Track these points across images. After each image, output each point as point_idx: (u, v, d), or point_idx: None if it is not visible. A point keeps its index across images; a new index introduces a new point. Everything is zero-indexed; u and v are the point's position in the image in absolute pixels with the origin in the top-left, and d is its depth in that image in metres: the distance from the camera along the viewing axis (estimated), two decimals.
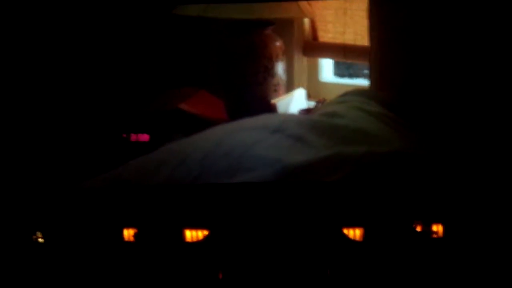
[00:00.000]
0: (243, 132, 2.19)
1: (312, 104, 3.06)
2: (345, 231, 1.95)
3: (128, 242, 1.99)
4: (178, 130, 2.87)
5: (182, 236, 1.97)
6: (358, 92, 2.73)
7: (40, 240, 2.02)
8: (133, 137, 3.12)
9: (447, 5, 2.50)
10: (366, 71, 2.97)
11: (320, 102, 3.04)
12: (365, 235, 1.94)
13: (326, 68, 3.19)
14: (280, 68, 3.06)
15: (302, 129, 2.16)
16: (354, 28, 3.03)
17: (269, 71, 3.04)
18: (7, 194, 2.34)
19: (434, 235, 1.94)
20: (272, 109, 2.96)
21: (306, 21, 3.17)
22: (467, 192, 1.96)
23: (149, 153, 2.41)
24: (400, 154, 2.08)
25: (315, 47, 3.19)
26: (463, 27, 2.47)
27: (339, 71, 3.19)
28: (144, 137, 3.09)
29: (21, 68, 2.71)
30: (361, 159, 2.02)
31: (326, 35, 3.15)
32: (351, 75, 3.15)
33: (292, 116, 2.52)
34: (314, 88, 3.16)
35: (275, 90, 3.07)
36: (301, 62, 3.15)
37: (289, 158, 2.07)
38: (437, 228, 1.94)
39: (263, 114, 2.77)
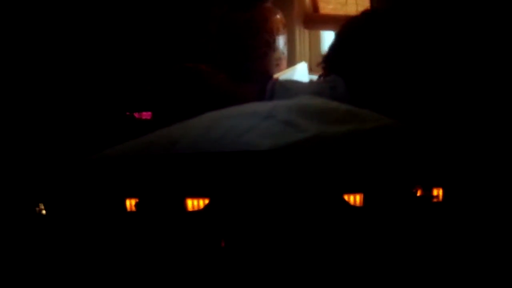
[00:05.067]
0: (233, 119, 2.15)
1: (314, 77, 3.06)
2: (345, 197, 1.95)
3: (131, 212, 2.00)
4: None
5: (184, 205, 1.98)
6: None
7: (43, 212, 2.04)
8: (137, 115, 3.13)
9: None
10: None
11: (323, 75, 3.02)
12: (365, 200, 1.94)
13: (328, 40, 3.18)
14: (281, 42, 3.05)
15: (292, 114, 2.13)
16: None
17: (270, 45, 3.03)
18: (9, 166, 2.36)
19: (435, 199, 1.94)
20: (274, 83, 2.95)
21: None
22: (466, 156, 1.95)
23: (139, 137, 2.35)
24: (390, 128, 2.07)
25: (316, 19, 3.17)
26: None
27: None
28: (147, 115, 3.10)
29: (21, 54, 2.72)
30: (346, 136, 2.00)
31: (327, 6, 3.12)
32: None
33: (281, 101, 2.52)
34: (316, 61, 3.15)
35: (277, 65, 3.06)
36: (302, 35, 3.13)
37: (280, 144, 2.05)
38: (438, 192, 1.94)
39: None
